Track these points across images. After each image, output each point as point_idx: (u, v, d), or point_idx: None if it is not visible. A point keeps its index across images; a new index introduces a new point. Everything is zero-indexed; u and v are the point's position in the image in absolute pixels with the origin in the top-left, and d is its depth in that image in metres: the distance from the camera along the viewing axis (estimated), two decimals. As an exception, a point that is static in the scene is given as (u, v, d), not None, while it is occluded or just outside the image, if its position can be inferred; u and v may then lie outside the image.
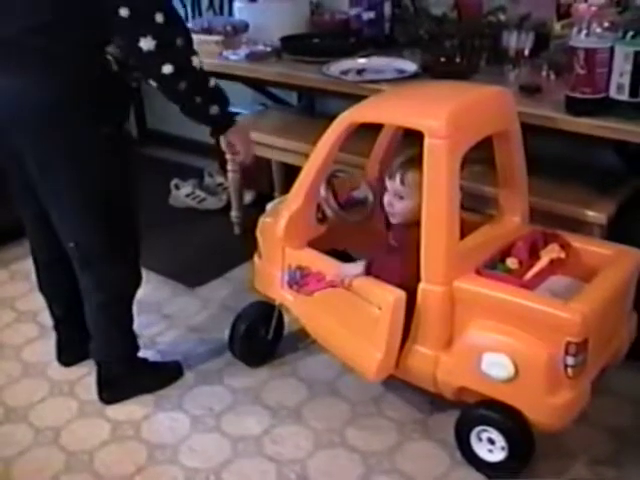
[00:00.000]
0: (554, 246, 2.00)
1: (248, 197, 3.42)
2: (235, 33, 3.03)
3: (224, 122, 2.12)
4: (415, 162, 1.90)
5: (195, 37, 3.00)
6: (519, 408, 1.86)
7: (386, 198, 2.03)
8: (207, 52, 2.95)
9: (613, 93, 2.07)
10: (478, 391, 1.92)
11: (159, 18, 1.85)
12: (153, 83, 1.94)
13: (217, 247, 3.13)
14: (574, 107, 2.12)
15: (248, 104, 3.41)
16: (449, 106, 1.86)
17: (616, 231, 2.28)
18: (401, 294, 1.92)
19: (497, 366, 1.85)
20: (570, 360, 1.79)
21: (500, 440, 1.90)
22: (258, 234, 2.31)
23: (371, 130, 2.21)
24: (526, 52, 2.46)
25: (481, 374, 1.88)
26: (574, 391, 1.84)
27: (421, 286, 1.92)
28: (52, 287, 2.35)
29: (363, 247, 2.21)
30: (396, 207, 2.01)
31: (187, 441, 2.14)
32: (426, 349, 1.97)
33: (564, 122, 2.11)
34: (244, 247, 3.11)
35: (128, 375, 2.31)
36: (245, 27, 3.06)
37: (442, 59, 2.53)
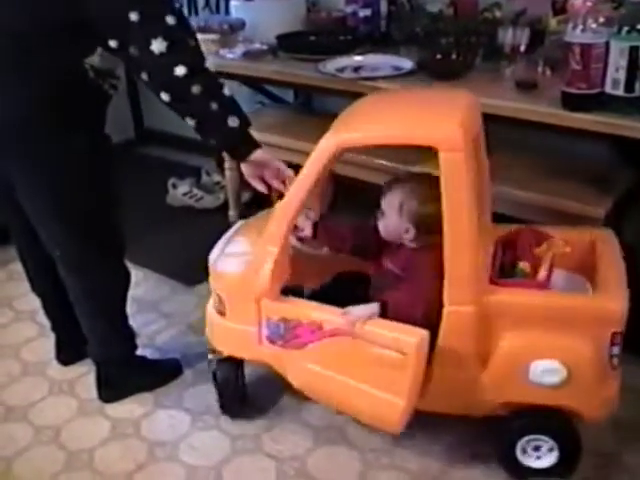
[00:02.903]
0: (554, 241, 1.99)
1: (246, 196, 3.41)
2: (232, 31, 3.04)
3: (245, 139, 1.96)
4: (399, 183, 1.93)
5: (191, 36, 3.05)
6: (571, 408, 1.83)
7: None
8: (204, 51, 2.95)
9: (609, 88, 2.08)
10: (525, 402, 1.85)
11: (170, 20, 1.80)
12: (165, 96, 1.84)
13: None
14: (570, 102, 2.12)
15: (245, 102, 3.39)
16: (455, 116, 1.74)
17: (613, 226, 2.29)
18: (425, 334, 1.75)
19: (548, 373, 1.78)
20: (615, 350, 1.81)
21: (549, 444, 1.88)
22: (218, 289, 2.02)
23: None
24: (522, 48, 2.47)
25: (530, 384, 1.80)
26: (618, 379, 1.86)
27: (447, 310, 1.78)
28: (43, 290, 2.35)
29: (314, 279, 2.12)
30: (379, 223, 1.96)
31: (187, 439, 2.15)
32: (460, 374, 1.84)
33: (560, 118, 2.12)
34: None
35: (127, 374, 2.32)
36: (241, 25, 3.06)
37: (438, 56, 2.54)
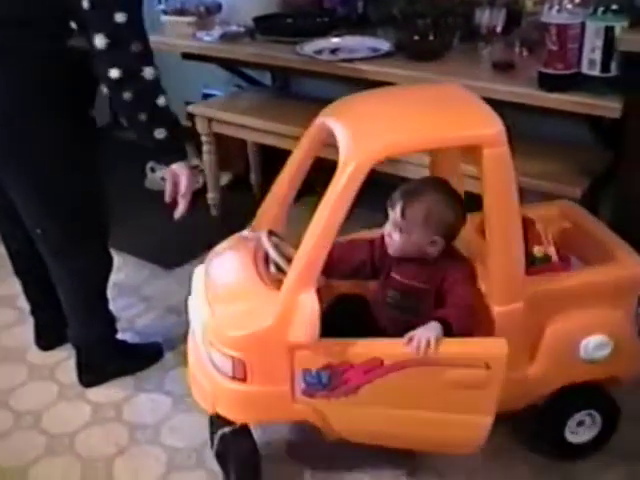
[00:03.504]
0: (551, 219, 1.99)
1: (224, 179, 3.41)
2: (208, 14, 3.02)
3: (170, 152, 1.96)
4: (418, 194, 1.75)
5: (168, 18, 3.04)
6: (614, 376, 1.88)
7: (386, 227, 1.80)
8: (180, 34, 2.95)
9: (585, 68, 2.10)
10: (574, 382, 1.86)
11: (119, 17, 1.76)
12: (103, 88, 1.85)
13: (194, 229, 3.11)
14: (547, 83, 2.14)
15: (222, 85, 3.40)
16: (486, 111, 1.69)
17: (589, 205, 2.31)
18: (504, 342, 1.67)
19: (599, 347, 1.79)
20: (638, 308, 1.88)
21: (594, 418, 1.91)
22: (237, 354, 1.68)
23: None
24: (498, 29, 2.48)
25: (581, 363, 1.82)
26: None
27: (498, 311, 1.71)
28: (26, 272, 2.34)
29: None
30: (394, 239, 1.77)
31: (168, 421, 2.15)
32: (512, 373, 1.73)
33: (537, 98, 2.14)
34: (221, 228, 3.13)
35: (107, 358, 2.31)
36: (218, 8, 3.05)
37: (415, 37, 2.54)
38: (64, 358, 2.40)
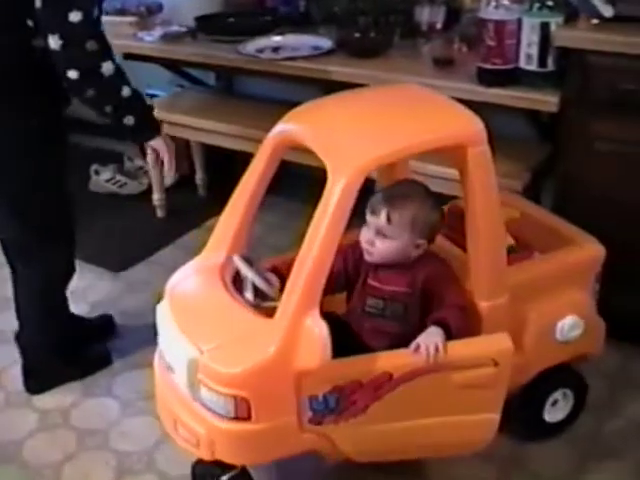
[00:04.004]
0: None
1: (169, 179, 3.38)
2: (149, 14, 3.00)
3: (142, 134, 2.02)
4: (403, 199, 1.70)
5: (109, 19, 2.98)
6: (584, 353, 1.96)
7: (365, 233, 1.73)
8: (121, 34, 2.91)
9: (522, 63, 2.14)
10: (556, 363, 1.92)
11: (73, 17, 1.73)
12: (68, 89, 1.88)
13: (140, 231, 3.10)
14: (486, 78, 2.18)
15: (165, 85, 3.37)
16: (462, 110, 1.69)
17: (531, 198, 2.35)
18: (507, 336, 1.68)
19: (572, 328, 1.86)
20: (597, 286, 1.97)
21: (567, 395, 2.00)
22: (241, 392, 1.53)
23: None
24: (438, 26, 2.51)
25: (559, 344, 1.87)
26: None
27: (485, 306, 1.71)
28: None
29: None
30: (377, 246, 1.71)
31: (117, 426, 2.13)
32: None
33: (476, 93, 2.17)
34: (166, 229, 3.11)
35: (55, 363, 2.28)
36: (159, 7, 3.03)
37: (357, 35, 2.56)
38: (9, 364, 2.35)
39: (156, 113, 2.94)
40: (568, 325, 1.86)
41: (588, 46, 2.00)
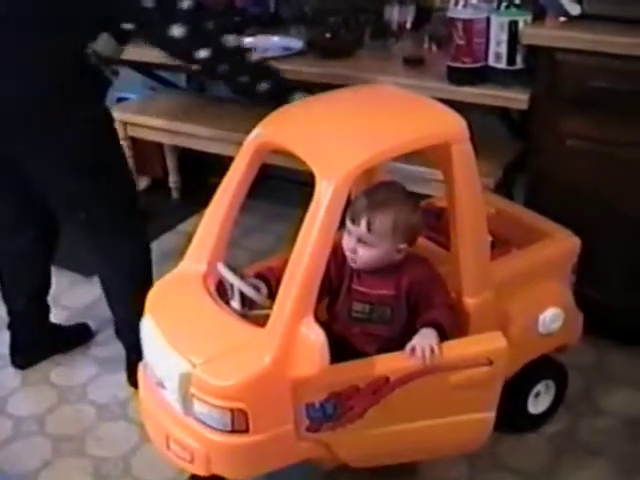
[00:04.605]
0: None
1: (143, 183, 3.37)
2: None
3: (280, 95, 2.04)
4: (382, 205, 1.68)
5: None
6: (564, 344, 1.99)
7: (347, 241, 1.72)
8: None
9: (492, 61, 2.15)
10: (538, 355, 1.95)
11: (185, 4, 1.86)
12: (195, 67, 2.02)
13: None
14: (456, 77, 2.19)
15: (137, 88, 3.35)
16: (440, 107, 1.70)
17: (503, 195, 2.37)
18: (501, 334, 1.69)
19: (553, 320, 1.89)
20: (573, 278, 2.01)
21: (549, 386, 2.03)
22: (238, 404, 1.50)
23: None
24: (408, 25, 2.51)
25: (541, 337, 1.90)
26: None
27: (472, 302, 1.73)
28: (14, 276, 2.29)
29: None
30: (360, 254, 1.70)
31: (93, 431, 2.12)
32: None
33: (447, 92, 2.17)
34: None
35: (39, 339, 2.35)
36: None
37: (327, 35, 2.56)
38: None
39: (127, 117, 2.96)
40: (550, 317, 1.88)
41: (556, 44, 2.01)
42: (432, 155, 1.66)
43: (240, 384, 1.49)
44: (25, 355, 2.37)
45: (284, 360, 1.50)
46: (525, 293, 1.85)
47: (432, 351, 1.59)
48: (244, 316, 1.64)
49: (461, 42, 2.13)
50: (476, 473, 1.95)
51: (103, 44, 1.92)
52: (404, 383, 1.61)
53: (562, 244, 1.98)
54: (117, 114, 2.96)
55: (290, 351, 1.50)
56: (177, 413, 1.60)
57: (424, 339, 1.62)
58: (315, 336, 1.49)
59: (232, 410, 1.51)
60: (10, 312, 2.34)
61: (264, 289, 1.68)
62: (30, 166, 1.97)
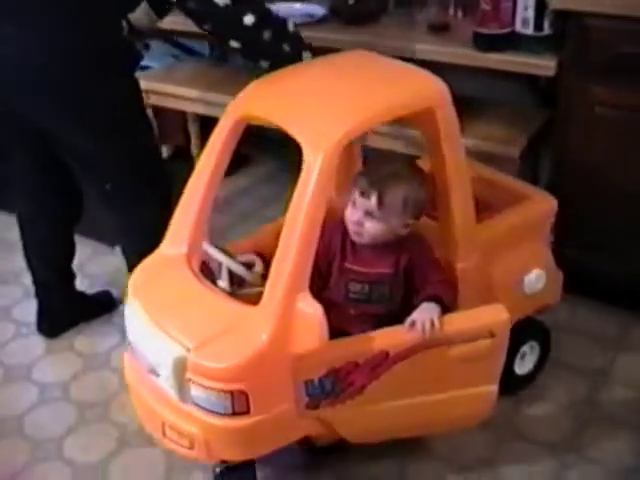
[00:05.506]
0: None
1: (165, 151, 3.36)
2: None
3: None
4: (394, 179, 1.66)
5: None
6: (547, 304, 2.01)
7: (352, 214, 1.68)
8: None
9: (519, 27, 2.11)
10: (524, 316, 1.94)
11: None
12: (235, 44, 1.95)
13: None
14: (482, 43, 2.15)
15: (160, 57, 3.34)
16: (424, 72, 1.69)
17: (529, 164, 2.34)
18: (503, 307, 1.66)
19: (537, 280, 1.91)
20: (551, 237, 2.02)
21: (533, 347, 2.04)
22: (238, 386, 1.47)
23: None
24: (433, -9, 2.47)
25: (526, 297, 1.91)
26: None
27: (460, 267, 1.73)
28: (38, 245, 2.30)
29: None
30: (367, 227, 1.67)
31: (117, 397, 2.13)
32: None
33: (472, 58, 2.15)
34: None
35: (65, 307, 2.37)
36: (150, -23, 2.98)
37: (350, 2, 2.51)
38: (8, 339, 2.37)
39: (150, 85, 2.95)
40: (534, 277, 1.90)
41: (585, 8, 1.96)
42: (414, 121, 1.65)
43: (239, 365, 1.45)
44: (52, 323, 2.38)
45: (282, 337, 1.46)
46: (509, 255, 1.86)
47: (432, 325, 1.57)
48: (233, 295, 1.61)
49: (487, 7, 2.09)
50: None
51: (141, 15, 1.91)
52: (404, 358, 1.59)
53: (541, 205, 1.98)
54: (140, 82, 2.96)
55: (288, 327, 1.46)
56: (172, 400, 1.56)
57: (424, 313, 1.60)
58: (313, 310, 1.46)
59: (232, 392, 1.47)
60: (35, 281, 2.35)
61: (258, 267, 1.67)
62: (60, 135, 1.96)
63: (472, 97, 2.47)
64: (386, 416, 1.66)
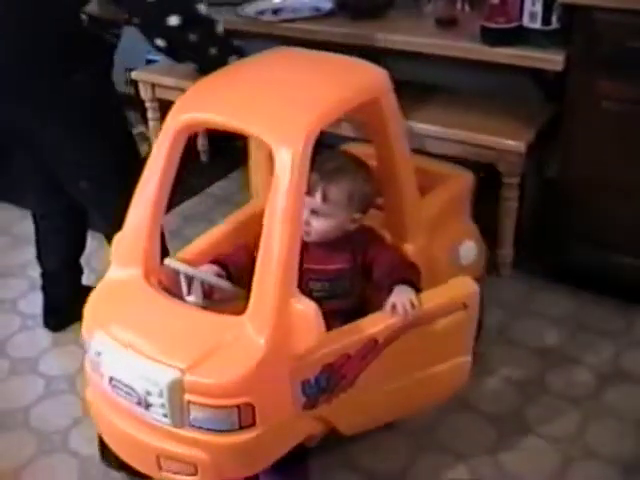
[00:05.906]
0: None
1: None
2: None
3: None
4: (337, 174, 1.67)
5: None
6: (479, 276, 1.98)
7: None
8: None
9: (526, 21, 2.11)
10: None
11: None
12: (160, 42, 1.87)
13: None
14: (489, 37, 2.15)
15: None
16: (362, 62, 1.70)
17: (535, 159, 2.34)
18: (469, 278, 1.71)
19: (470, 250, 1.98)
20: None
21: None
22: (245, 399, 1.42)
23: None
24: (440, -15, 2.46)
25: (463, 269, 1.89)
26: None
27: (412, 249, 1.78)
28: (50, 239, 2.30)
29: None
30: (314, 225, 1.67)
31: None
32: None
33: (480, 52, 2.15)
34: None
35: (72, 301, 2.28)
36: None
37: (358, -5, 2.52)
38: (14, 332, 2.37)
39: (155, 78, 2.95)
40: (467, 248, 1.98)
41: (593, 2, 1.96)
42: (359, 111, 1.62)
43: (244, 376, 1.40)
44: (57, 317, 2.38)
45: (281, 340, 1.42)
46: (445, 231, 1.91)
47: (412, 305, 1.58)
48: (205, 308, 1.56)
49: (495, 1, 2.09)
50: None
51: (97, 7, 1.87)
52: (391, 342, 1.60)
53: (463, 180, 2.04)
54: (145, 76, 2.97)
55: (285, 329, 1.42)
56: (167, 428, 1.46)
57: (402, 295, 1.60)
58: (308, 307, 1.43)
59: (239, 406, 1.41)
60: (44, 274, 2.36)
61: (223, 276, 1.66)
62: (37, 135, 1.95)
63: (479, 91, 2.47)
64: (378, 402, 1.68)
